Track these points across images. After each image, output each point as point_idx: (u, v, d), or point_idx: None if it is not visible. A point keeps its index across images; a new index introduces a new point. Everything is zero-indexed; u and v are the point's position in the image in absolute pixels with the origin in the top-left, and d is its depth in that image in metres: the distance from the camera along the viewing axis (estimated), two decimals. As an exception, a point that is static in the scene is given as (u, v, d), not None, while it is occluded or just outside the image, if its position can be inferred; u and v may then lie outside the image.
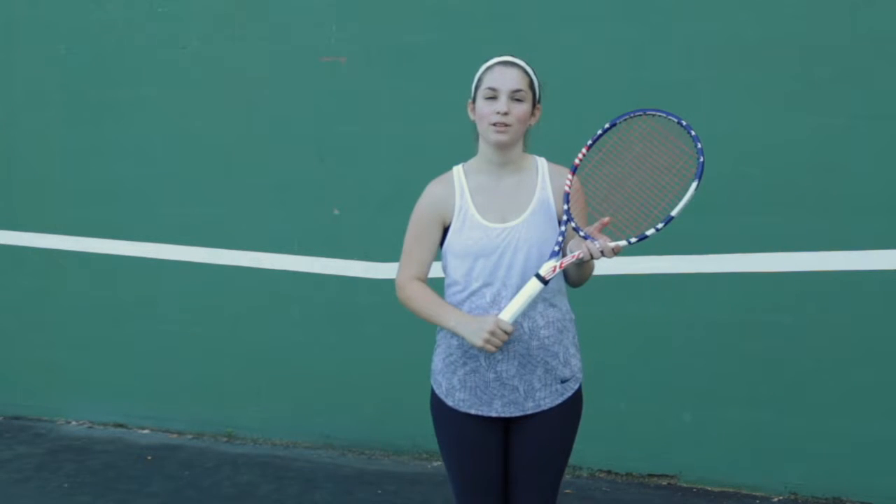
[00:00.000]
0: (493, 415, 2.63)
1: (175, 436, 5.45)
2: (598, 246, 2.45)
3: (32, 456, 5.11)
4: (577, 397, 2.70)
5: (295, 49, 5.12)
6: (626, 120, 2.63)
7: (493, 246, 2.57)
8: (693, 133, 2.50)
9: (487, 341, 2.47)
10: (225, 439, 5.38)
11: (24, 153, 5.71)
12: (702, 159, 2.48)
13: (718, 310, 4.46)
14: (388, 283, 5.15)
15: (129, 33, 5.43)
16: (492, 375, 2.60)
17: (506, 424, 2.67)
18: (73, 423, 5.70)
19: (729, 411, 4.48)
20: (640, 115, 2.60)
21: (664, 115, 2.57)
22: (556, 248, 2.52)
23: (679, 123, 2.53)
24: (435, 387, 2.73)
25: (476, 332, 2.48)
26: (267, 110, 5.21)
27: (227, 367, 5.36)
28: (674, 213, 2.47)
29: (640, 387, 4.58)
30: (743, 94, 4.35)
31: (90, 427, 5.63)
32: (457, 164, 2.73)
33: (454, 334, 2.62)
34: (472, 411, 2.63)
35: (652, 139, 2.58)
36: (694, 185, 2.48)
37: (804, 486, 4.39)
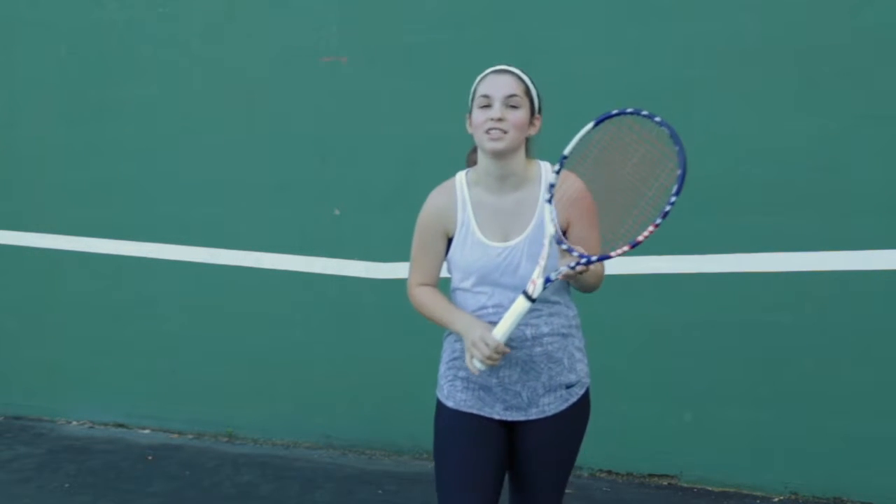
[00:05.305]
0: (496, 417, 2.61)
1: (175, 436, 5.45)
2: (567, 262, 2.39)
3: (33, 456, 5.11)
4: (583, 402, 2.67)
5: (295, 49, 5.12)
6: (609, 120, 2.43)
7: (493, 265, 2.53)
8: (671, 132, 2.32)
9: (481, 360, 2.42)
10: (225, 439, 5.38)
11: (24, 153, 5.71)
12: (680, 172, 2.29)
13: (718, 310, 4.46)
14: (388, 283, 5.22)
15: (129, 33, 5.43)
16: (494, 381, 2.58)
17: (509, 428, 2.65)
18: (74, 423, 5.70)
19: (729, 411, 4.48)
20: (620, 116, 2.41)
21: (647, 117, 2.38)
22: (542, 261, 2.41)
23: (661, 125, 2.35)
24: (438, 392, 2.69)
25: (468, 348, 2.44)
26: (267, 110, 5.21)
27: (228, 367, 5.36)
28: (640, 238, 2.36)
29: (641, 387, 4.59)
30: (743, 95, 4.35)
31: (90, 427, 5.63)
32: (457, 166, 2.70)
33: (458, 338, 2.61)
34: (474, 411, 2.61)
35: (638, 144, 2.41)
36: (670, 205, 2.31)
37: (804, 486, 4.39)
